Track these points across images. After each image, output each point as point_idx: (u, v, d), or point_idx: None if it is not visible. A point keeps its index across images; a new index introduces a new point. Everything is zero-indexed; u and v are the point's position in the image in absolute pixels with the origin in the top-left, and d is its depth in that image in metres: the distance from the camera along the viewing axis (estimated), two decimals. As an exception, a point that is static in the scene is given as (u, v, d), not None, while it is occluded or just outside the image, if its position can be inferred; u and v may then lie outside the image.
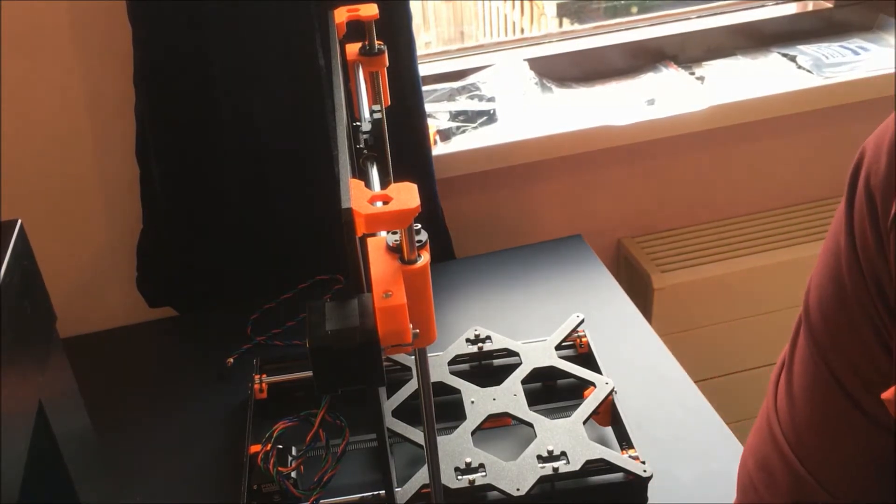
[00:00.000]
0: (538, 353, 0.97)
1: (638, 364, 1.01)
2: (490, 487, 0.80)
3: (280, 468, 0.78)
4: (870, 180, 0.47)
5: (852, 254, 0.48)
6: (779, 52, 1.43)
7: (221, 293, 1.20)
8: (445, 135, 1.26)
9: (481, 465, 0.82)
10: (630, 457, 0.83)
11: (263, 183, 1.13)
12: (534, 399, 0.92)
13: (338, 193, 0.53)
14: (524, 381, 0.93)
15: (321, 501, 0.78)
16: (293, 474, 0.80)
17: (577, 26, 1.47)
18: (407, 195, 0.51)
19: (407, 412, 0.89)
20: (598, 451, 0.83)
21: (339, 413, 0.71)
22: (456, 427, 0.87)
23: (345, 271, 1.09)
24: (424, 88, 1.17)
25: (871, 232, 0.47)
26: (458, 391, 0.92)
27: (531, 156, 1.27)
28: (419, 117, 1.14)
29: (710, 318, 1.39)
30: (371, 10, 0.84)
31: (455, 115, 1.29)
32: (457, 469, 0.81)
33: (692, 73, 1.39)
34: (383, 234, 0.56)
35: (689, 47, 1.44)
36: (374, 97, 0.88)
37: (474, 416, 0.88)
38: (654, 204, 1.43)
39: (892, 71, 1.34)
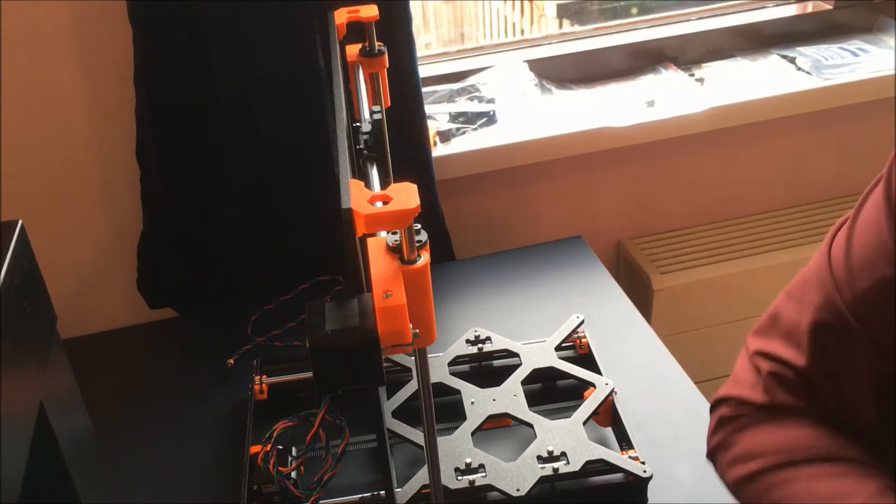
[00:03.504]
0: (538, 353, 0.97)
1: (638, 365, 1.01)
2: (490, 488, 0.80)
3: (280, 468, 0.78)
4: None
5: None
6: (778, 54, 1.43)
7: (222, 294, 1.20)
8: (445, 136, 1.26)
9: (481, 466, 0.82)
10: (630, 457, 0.83)
11: (264, 184, 1.14)
12: (534, 400, 0.92)
13: (338, 194, 0.53)
14: (524, 382, 0.93)
15: (321, 502, 0.78)
16: (293, 474, 0.80)
17: (576, 28, 1.47)
18: (407, 195, 0.51)
19: (407, 413, 0.89)
20: (598, 452, 0.83)
21: (339, 413, 0.71)
22: (456, 428, 0.87)
23: (345, 272, 1.09)
24: (424, 90, 1.17)
25: None
26: (458, 392, 0.92)
27: (531, 157, 1.28)
28: (419, 118, 1.14)
29: (710, 319, 1.39)
30: (371, 11, 0.84)
31: (455, 117, 1.29)
32: (457, 469, 0.82)
33: (692, 75, 1.39)
34: (383, 234, 0.56)
35: (688, 49, 1.44)
36: (374, 98, 0.88)
37: (474, 417, 0.88)
38: (654, 205, 1.43)
39: (892, 72, 1.34)
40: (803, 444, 0.60)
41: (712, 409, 0.67)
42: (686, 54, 1.44)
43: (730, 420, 0.64)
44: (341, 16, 0.85)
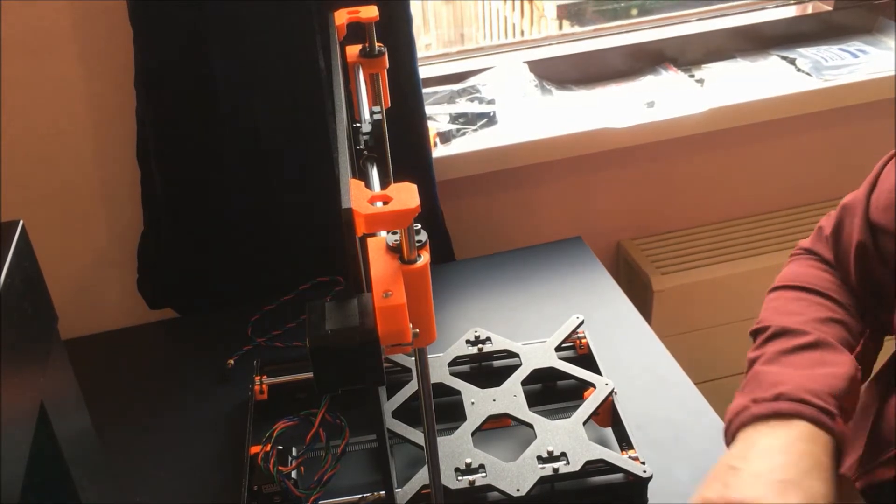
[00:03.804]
0: (538, 354, 0.97)
1: (638, 365, 1.01)
2: (490, 488, 0.80)
3: (280, 468, 0.78)
4: None
5: None
6: (778, 55, 1.43)
7: (222, 295, 1.20)
8: (445, 137, 1.26)
9: (481, 466, 0.82)
10: (630, 457, 0.83)
11: (264, 184, 1.14)
12: (534, 400, 0.92)
13: (338, 194, 0.53)
14: (524, 382, 0.93)
15: (321, 502, 0.78)
16: (293, 474, 0.80)
17: (577, 29, 1.47)
18: (407, 195, 0.52)
19: (407, 413, 0.89)
20: (598, 452, 0.83)
21: (339, 413, 0.71)
22: (456, 428, 0.87)
23: (345, 273, 1.10)
24: (425, 91, 1.17)
25: None
26: (458, 392, 0.92)
27: (531, 158, 1.28)
28: (419, 119, 1.14)
29: (710, 320, 1.39)
30: (371, 12, 0.84)
31: (455, 118, 1.29)
32: (457, 470, 0.82)
33: (691, 76, 1.39)
34: (383, 234, 0.56)
35: (688, 50, 1.44)
36: (374, 99, 0.88)
37: (474, 417, 0.88)
38: (654, 206, 1.43)
39: (892, 74, 1.34)
40: (803, 277, 0.77)
41: None
42: (686, 55, 1.44)
43: (790, 258, 0.83)
44: (341, 16, 0.85)
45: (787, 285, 0.77)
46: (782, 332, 0.70)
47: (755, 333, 0.73)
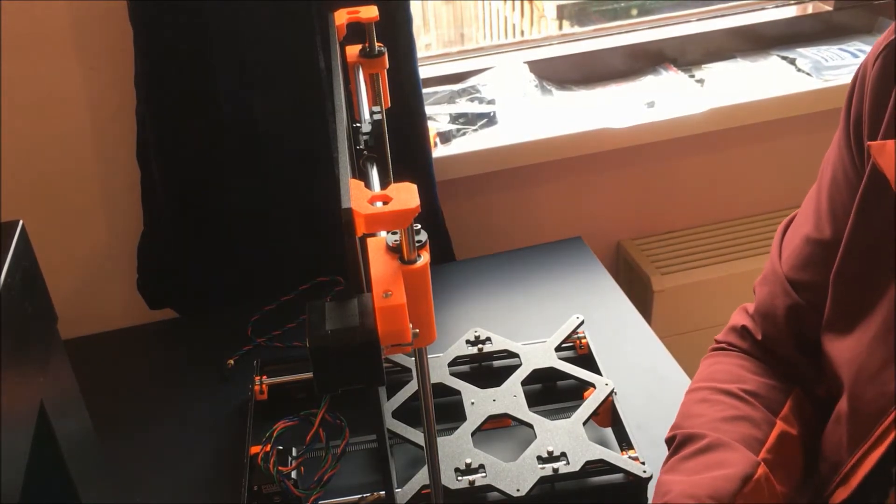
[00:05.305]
0: (538, 354, 0.97)
1: (638, 365, 1.01)
2: (490, 488, 0.80)
3: (280, 468, 0.78)
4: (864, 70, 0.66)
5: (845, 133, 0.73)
6: (778, 55, 1.43)
7: (222, 295, 1.20)
8: (445, 137, 1.26)
9: (481, 466, 0.82)
10: (630, 457, 0.83)
11: (264, 184, 1.14)
12: (534, 400, 0.92)
13: (338, 194, 0.53)
14: (524, 383, 0.93)
15: (321, 502, 0.78)
16: (293, 474, 0.80)
17: (577, 29, 1.47)
18: (406, 195, 0.52)
19: (407, 413, 0.89)
20: (598, 452, 0.83)
21: (339, 413, 0.71)
22: (456, 428, 0.87)
23: (345, 273, 1.10)
24: (425, 91, 1.17)
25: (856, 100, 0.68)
26: (458, 392, 0.92)
27: (531, 158, 1.28)
28: (419, 119, 1.14)
29: (710, 320, 1.39)
30: (371, 12, 0.84)
31: (455, 118, 1.29)
32: (457, 470, 0.82)
33: (692, 76, 1.39)
34: (383, 234, 0.56)
35: (688, 50, 1.44)
36: (374, 99, 0.88)
37: (474, 417, 0.88)
38: (654, 206, 1.43)
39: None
40: (711, 375, 0.77)
41: None
42: (686, 55, 1.44)
43: (707, 354, 0.84)
44: (341, 16, 0.85)
45: (696, 387, 0.77)
46: (685, 440, 0.72)
47: (668, 442, 0.74)
